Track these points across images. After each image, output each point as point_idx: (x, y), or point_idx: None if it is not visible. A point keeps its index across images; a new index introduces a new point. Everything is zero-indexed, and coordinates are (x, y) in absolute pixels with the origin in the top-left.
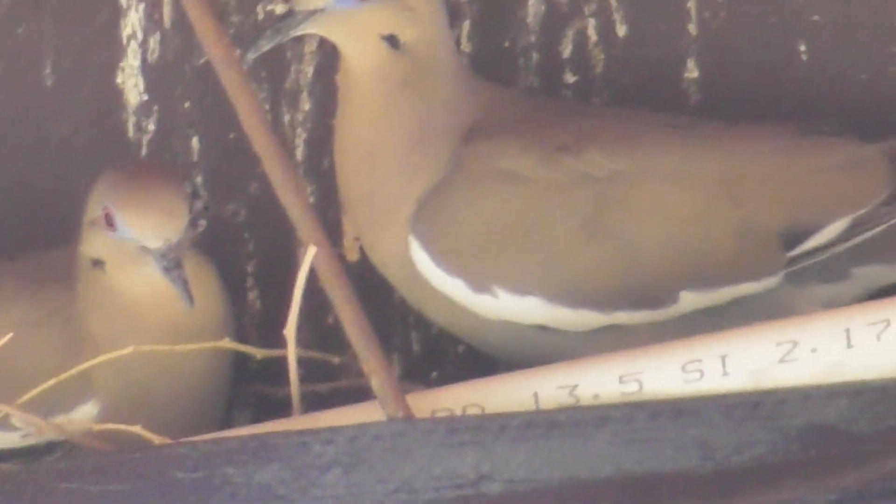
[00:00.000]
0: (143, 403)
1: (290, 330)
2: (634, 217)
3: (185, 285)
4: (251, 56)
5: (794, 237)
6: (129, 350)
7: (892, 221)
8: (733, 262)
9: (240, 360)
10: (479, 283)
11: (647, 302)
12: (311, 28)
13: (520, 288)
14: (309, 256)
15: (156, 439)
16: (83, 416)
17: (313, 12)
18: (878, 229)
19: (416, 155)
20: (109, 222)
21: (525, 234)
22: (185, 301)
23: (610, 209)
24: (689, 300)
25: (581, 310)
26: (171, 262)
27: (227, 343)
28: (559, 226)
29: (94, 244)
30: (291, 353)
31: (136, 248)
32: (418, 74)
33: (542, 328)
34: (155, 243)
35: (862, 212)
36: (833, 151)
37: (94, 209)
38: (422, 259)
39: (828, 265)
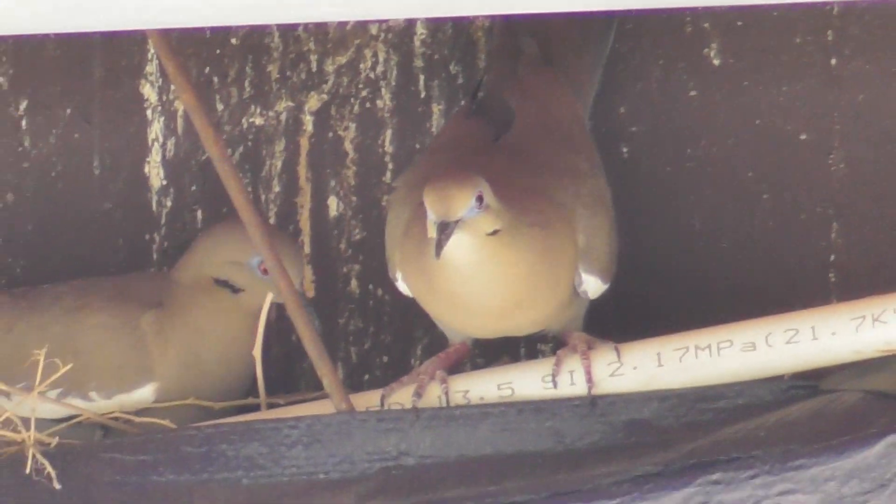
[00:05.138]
0: (192, 387)
1: (256, 350)
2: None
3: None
4: (439, 253)
5: None
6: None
7: None
8: None
9: None
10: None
11: None
12: (458, 233)
13: (609, 271)
14: (268, 301)
15: (172, 426)
16: (141, 397)
17: (458, 221)
18: None
19: (555, 249)
20: (264, 270)
21: (609, 232)
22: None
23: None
24: None
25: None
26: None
27: (193, 400)
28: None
29: (236, 278)
30: (259, 368)
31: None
32: (503, 216)
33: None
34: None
35: None
36: None
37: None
38: (591, 281)
39: None
